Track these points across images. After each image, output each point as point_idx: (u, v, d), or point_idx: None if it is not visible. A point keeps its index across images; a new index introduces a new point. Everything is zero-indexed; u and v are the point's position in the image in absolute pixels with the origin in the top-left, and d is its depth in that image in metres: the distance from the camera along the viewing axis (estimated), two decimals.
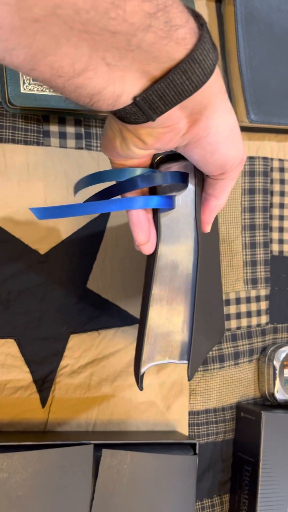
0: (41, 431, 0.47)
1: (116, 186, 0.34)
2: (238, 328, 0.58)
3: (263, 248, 0.60)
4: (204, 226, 0.37)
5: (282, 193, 0.61)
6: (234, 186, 0.58)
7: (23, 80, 0.44)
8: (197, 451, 0.47)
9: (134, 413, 0.51)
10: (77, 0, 0.20)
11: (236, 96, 0.58)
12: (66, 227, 0.49)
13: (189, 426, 0.54)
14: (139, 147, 0.29)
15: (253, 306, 0.59)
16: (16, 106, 0.46)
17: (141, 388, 0.37)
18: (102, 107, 0.26)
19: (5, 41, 0.21)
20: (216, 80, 0.28)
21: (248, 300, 0.59)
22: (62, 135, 0.50)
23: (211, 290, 0.44)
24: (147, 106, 0.26)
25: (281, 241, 0.61)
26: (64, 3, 0.20)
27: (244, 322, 0.58)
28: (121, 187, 0.34)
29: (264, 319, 0.60)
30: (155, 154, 0.34)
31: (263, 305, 0.60)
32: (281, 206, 0.61)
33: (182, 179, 0.36)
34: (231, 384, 0.57)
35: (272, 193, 0.61)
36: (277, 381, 0.57)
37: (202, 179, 0.36)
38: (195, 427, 0.54)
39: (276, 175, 0.61)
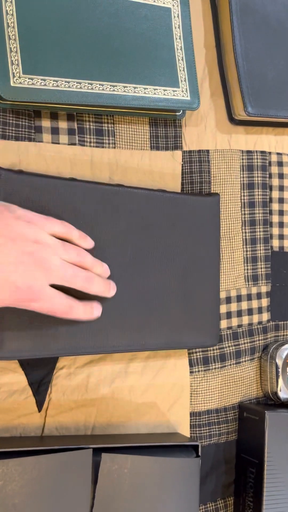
0: (38, 436, 0.46)
1: None
2: (239, 326, 0.57)
3: (264, 244, 0.59)
4: None
5: (281, 188, 0.60)
6: (232, 181, 0.57)
7: (13, 73, 0.43)
8: (199, 453, 0.46)
9: (134, 415, 0.50)
10: None
11: (233, 88, 0.57)
12: None
13: (190, 427, 0.52)
14: None
15: (254, 304, 0.58)
16: (6, 101, 0.44)
17: None
18: None
19: None
20: None
21: (249, 297, 0.58)
22: (55, 131, 0.48)
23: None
24: None
25: (281, 237, 0.60)
26: None
27: (245, 320, 0.57)
28: None
29: (265, 316, 0.58)
30: None
31: (264, 302, 0.58)
32: (281, 200, 0.60)
33: None
34: (233, 384, 0.55)
35: (271, 188, 0.60)
36: (280, 380, 0.55)
37: None
38: (197, 429, 0.53)
39: (274, 169, 0.60)
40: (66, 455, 0.40)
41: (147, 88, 0.49)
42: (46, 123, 0.48)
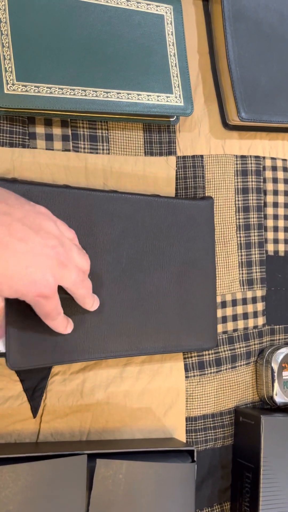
0: (33, 442, 0.46)
1: None
2: (235, 330, 0.57)
3: (258, 248, 0.59)
4: None
5: (275, 192, 0.60)
6: (227, 186, 0.57)
7: (6, 81, 0.43)
8: (195, 458, 0.46)
9: (130, 420, 0.50)
10: None
11: (226, 94, 0.57)
12: None
13: (186, 432, 0.52)
14: None
15: (250, 308, 0.58)
16: (0, 108, 0.44)
17: None
18: None
19: None
20: None
21: (244, 301, 0.58)
22: (49, 137, 0.49)
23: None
24: None
25: (276, 241, 0.60)
26: None
27: (240, 324, 0.57)
28: None
29: (260, 320, 0.58)
30: None
31: (260, 306, 0.59)
32: (275, 205, 0.60)
33: None
34: (228, 388, 0.55)
35: (265, 192, 0.60)
36: (276, 384, 0.55)
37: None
38: (193, 434, 0.53)
39: (268, 174, 0.60)
40: (60, 461, 0.40)
41: (140, 95, 0.49)
42: (40, 130, 0.48)
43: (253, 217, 0.59)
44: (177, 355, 0.53)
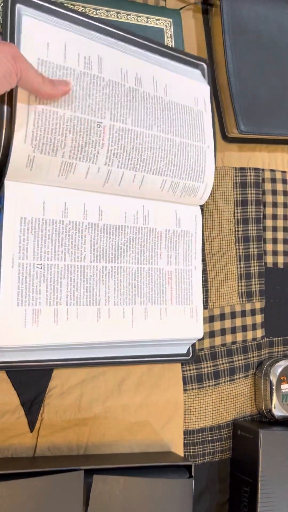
0: (30, 457, 0.45)
1: None
2: (234, 343, 0.56)
3: (257, 260, 0.59)
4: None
5: (274, 204, 0.60)
6: (226, 198, 0.57)
7: None
8: (192, 474, 0.45)
9: (127, 434, 0.50)
10: None
11: (226, 106, 0.58)
12: None
13: (184, 446, 0.52)
14: None
15: (248, 320, 0.58)
16: None
17: None
18: None
19: None
20: None
21: (243, 314, 0.58)
22: None
23: None
24: None
25: (275, 253, 0.60)
26: None
27: (239, 336, 0.57)
28: None
29: (259, 333, 0.58)
30: None
31: (259, 318, 0.58)
32: (274, 217, 0.60)
33: None
34: (227, 401, 0.55)
35: (264, 204, 0.60)
36: (274, 397, 0.55)
37: None
38: (191, 447, 0.53)
39: (268, 186, 0.60)
40: (57, 477, 0.40)
41: None
42: None
43: (252, 229, 0.59)
44: (175, 369, 0.52)
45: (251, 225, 0.59)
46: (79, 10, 0.48)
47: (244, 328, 0.57)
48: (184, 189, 0.49)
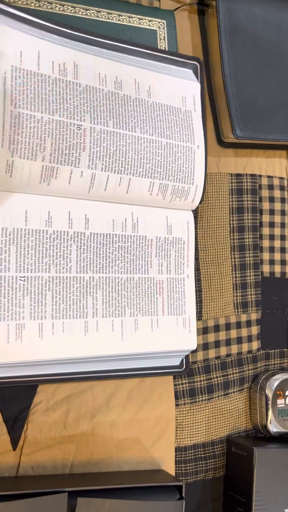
0: (12, 476, 0.43)
1: None
2: (228, 355, 0.54)
3: (254, 269, 0.57)
4: None
5: (271, 212, 0.59)
6: (221, 205, 0.56)
7: None
8: (183, 494, 0.43)
9: (116, 451, 0.47)
10: None
11: (222, 111, 0.56)
12: None
13: (175, 463, 0.50)
14: None
15: (244, 332, 0.56)
16: None
17: None
18: None
19: None
20: None
21: (238, 325, 0.56)
22: None
23: None
24: None
25: (272, 262, 0.58)
26: None
27: (234, 349, 0.55)
28: None
29: (255, 345, 0.56)
30: None
31: (254, 330, 0.56)
32: (271, 225, 0.58)
33: None
34: (220, 416, 0.53)
35: (261, 212, 0.58)
36: (270, 412, 0.53)
37: None
38: (182, 465, 0.50)
39: (265, 193, 0.58)
40: (39, 500, 0.38)
41: None
42: None
43: (248, 237, 0.57)
44: (167, 382, 0.50)
45: (247, 233, 0.57)
46: (68, 10, 0.46)
47: (239, 340, 0.55)
48: (174, 192, 0.47)
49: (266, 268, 0.58)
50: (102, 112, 0.43)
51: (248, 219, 0.57)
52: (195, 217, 0.53)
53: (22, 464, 0.44)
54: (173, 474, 0.50)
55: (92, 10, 0.47)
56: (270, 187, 0.59)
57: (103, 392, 0.47)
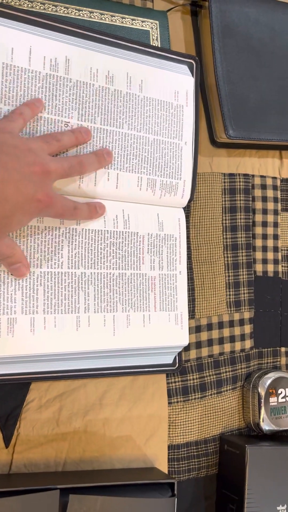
0: (5, 474, 0.43)
1: None
2: (221, 354, 0.55)
3: (246, 268, 0.57)
4: None
5: (264, 211, 0.59)
6: (214, 205, 0.56)
7: None
8: (175, 492, 0.44)
9: (108, 449, 0.48)
10: None
11: (214, 111, 0.56)
12: None
13: (168, 461, 0.50)
14: None
15: (237, 330, 0.56)
16: None
17: None
18: None
19: None
20: None
21: (231, 324, 0.56)
22: None
23: None
24: None
25: (264, 261, 0.59)
26: None
27: (227, 347, 0.55)
28: None
29: (248, 343, 0.57)
30: None
31: (247, 328, 0.57)
32: (264, 224, 0.59)
33: None
34: (213, 415, 0.53)
35: (254, 211, 0.58)
36: (262, 410, 0.53)
37: None
38: (175, 462, 0.51)
39: (257, 193, 0.59)
40: (31, 497, 0.38)
41: None
42: None
43: (241, 237, 0.57)
44: (160, 381, 0.51)
45: (240, 232, 0.57)
46: (61, 11, 0.47)
47: (232, 339, 0.56)
48: (162, 187, 0.47)
49: (259, 267, 0.58)
50: (90, 109, 0.44)
51: (241, 218, 0.57)
52: (188, 216, 0.54)
53: (15, 462, 0.44)
54: (166, 472, 0.50)
55: (85, 10, 0.47)
56: (263, 186, 0.59)
57: (95, 390, 0.48)
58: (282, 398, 0.54)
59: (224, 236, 0.56)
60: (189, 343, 0.52)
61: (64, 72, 0.43)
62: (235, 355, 0.55)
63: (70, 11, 0.47)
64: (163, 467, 0.50)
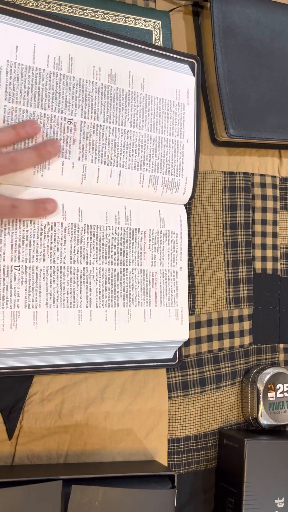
0: (8, 465, 0.44)
1: None
2: (220, 349, 0.55)
3: (246, 265, 0.58)
4: None
5: (264, 209, 0.60)
6: (214, 203, 0.57)
7: None
8: (175, 484, 0.44)
9: (109, 442, 0.48)
10: None
11: (215, 110, 0.57)
12: None
13: (168, 455, 0.51)
14: None
15: (236, 326, 0.57)
16: None
17: None
18: None
19: None
20: None
21: (230, 320, 0.57)
22: None
23: None
24: None
25: (264, 259, 0.59)
26: None
27: (226, 343, 0.56)
28: None
29: (247, 339, 0.57)
30: None
31: (246, 325, 0.58)
32: (263, 222, 0.60)
33: None
34: (213, 409, 0.54)
35: (253, 209, 0.59)
36: (261, 405, 0.54)
37: None
38: (175, 456, 0.51)
39: (257, 191, 0.59)
40: (34, 487, 0.39)
41: None
42: None
43: (241, 234, 0.58)
44: (160, 375, 0.51)
45: (239, 230, 0.58)
46: (65, 10, 0.47)
47: (231, 335, 0.56)
48: (164, 184, 0.48)
49: (258, 265, 0.59)
50: (93, 106, 0.45)
51: (240, 216, 0.58)
52: (189, 214, 0.54)
53: (18, 454, 0.45)
54: (166, 465, 0.51)
55: (88, 10, 0.48)
56: (263, 185, 0.60)
57: (97, 384, 0.48)
58: (280, 393, 0.55)
59: (224, 234, 0.57)
60: (189, 339, 0.53)
61: (67, 70, 0.44)
62: (234, 351, 0.56)
63: (74, 10, 0.48)
64: (163, 460, 0.51)
